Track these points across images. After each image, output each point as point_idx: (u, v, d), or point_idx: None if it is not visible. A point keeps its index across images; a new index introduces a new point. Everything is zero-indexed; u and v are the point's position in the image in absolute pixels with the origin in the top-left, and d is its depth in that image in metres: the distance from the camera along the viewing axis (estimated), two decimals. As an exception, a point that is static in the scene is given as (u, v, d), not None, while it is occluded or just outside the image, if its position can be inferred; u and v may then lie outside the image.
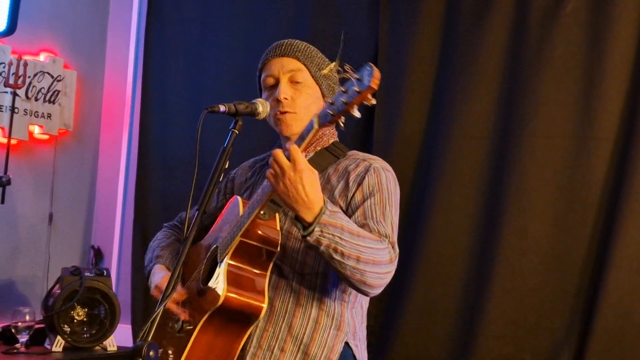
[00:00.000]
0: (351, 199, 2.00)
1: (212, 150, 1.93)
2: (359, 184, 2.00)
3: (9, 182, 3.37)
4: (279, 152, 1.78)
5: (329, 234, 1.79)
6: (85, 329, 3.45)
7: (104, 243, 4.25)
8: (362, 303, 2.15)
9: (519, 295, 3.08)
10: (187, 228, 1.82)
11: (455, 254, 3.21)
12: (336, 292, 2.05)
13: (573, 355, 2.99)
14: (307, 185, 1.76)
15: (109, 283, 3.51)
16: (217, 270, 1.94)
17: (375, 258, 1.86)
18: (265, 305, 1.92)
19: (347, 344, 2.06)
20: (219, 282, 1.91)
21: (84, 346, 3.40)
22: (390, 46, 3.45)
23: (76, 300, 3.37)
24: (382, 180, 2.03)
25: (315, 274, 2.02)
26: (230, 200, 2.09)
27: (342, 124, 1.74)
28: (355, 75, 1.65)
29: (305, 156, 2.07)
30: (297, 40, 2.14)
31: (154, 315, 1.62)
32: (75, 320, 3.44)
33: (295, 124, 2.07)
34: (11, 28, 3.53)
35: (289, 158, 1.77)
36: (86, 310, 3.47)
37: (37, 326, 3.44)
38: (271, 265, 1.97)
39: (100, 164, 4.33)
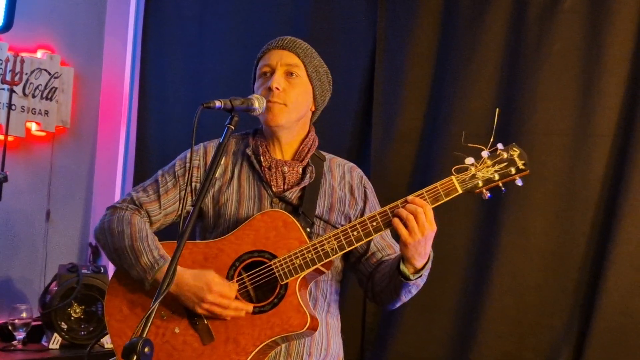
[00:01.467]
0: (362, 211, 2.17)
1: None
2: (366, 197, 2.19)
3: (5, 179, 3.36)
4: (422, 213, 1.89)
5: (425, 275, 2.02)
6: (82, 326, 3.44)
7: (102, 240, 4.23)
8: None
9: (518, 293, 3.07)
10: (183, 223, 1.80)
11: (454, 252, 3.20)
12: (335, 296, 2.19)
13: (573, 352, 2.98)
14: (430, 242, 1.94)
15: (106, 280, 3.49)
16: (279, 291, 1.96)
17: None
18: (319, 324, 2.03)
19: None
20: (292, 306, 1.94)
21: (81, 343, 3.39)
22: (389, 43, 3.44)
23: (73, 298, 3.36)
24: (372, 188, 2.25)
25: (326, 281, 2.13)
26: (271, 213, 2.04)
27: (486, 196, 1.94)
28: (506, 154, 1.91)
29: (307, 162, 2.12)
30: (300, 39, 2.18)
31: (149, 311, 1.60)
32: (72, 318, 3.43)
33: (282, 116, 2.09)
34: (8, 24, 3.51)
35: (413, 213, 1.89)
36: (83, 307, 3.46)
37: (34, 323, 3.43)
38: (311, 283, 2.06)
39: (98, 161, 4.32)
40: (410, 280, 1.96)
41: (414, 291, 2.04)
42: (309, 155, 2.15)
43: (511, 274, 3.07)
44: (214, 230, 2.13)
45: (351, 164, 2.26)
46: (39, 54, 3.99)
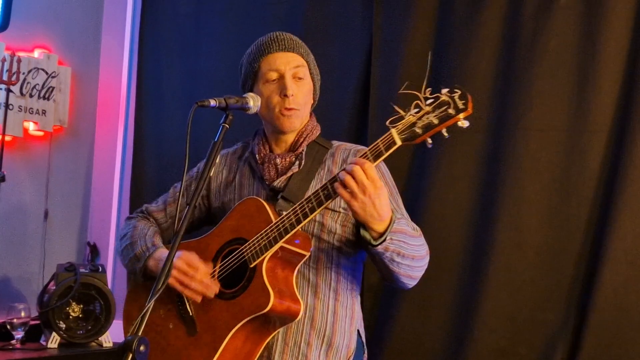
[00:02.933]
0: None
1: (206, 145, 1.93)
2: None
3: (3, 179, 3.37)
4: (359, 170, 1.79)
5: (396, 240, 1.89)
6: (80, 325, 3.45)
7: (100, 239, 4.24)
8: (359, 294, 2.22)
9: (513, 289, 3.08)
10: (178, 222, 1.81)
11: (450, 248, 3.21)
12: (348, 284, 2.12)
13: (568, 348, 2.99)
14: (384, 199, 1.83)
15: (105, 279, 3.50)
16: (249, 274, 1.95)
17: (422, 254, 2.02)
18: (301, 309, 1.98)
19: (358, 332, 2.16)
20: (259, 287, 1.92)
21: (79, 342, 3.40)
22: (384, 40, 3.44)
23: (71, 297, 3.36)
24: (383, 171, 2.14)
25: (329, 267, 2.08)
26: (245, 201, 2.07)
27: (430, 143, 1.81)
28: (446, 97, 1.77)
29: (301, 150, 2.09)
30: (294, 36, 2.18)
31: (145, 310, 1.62)
32: (70, 317, 3.44)
33: (297, 121, 2.12)
34: (5, 24, 3.52)
35: (350, 173, 1.79)
36: (81, 306, 3.46)
37: (32, 322, 3.43)
38: (297, 267, 2.01)
39: (96, 160, 4.32)
40: (375, 245, 1.87)
41: (399, 259, 1.92)
42: (304, 144, 2.13)
43: (506, 270, 3.08)
44: None
45: (360, 147, 2.20)
46: (36, 53, 3.99)
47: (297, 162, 2.11)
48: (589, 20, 3.06)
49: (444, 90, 1.79)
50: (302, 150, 2.13)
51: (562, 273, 3.03)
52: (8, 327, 3.36)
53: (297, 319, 1.97)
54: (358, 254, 2.14)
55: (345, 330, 2.09)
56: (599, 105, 3.02)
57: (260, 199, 2.03)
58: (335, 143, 2.21)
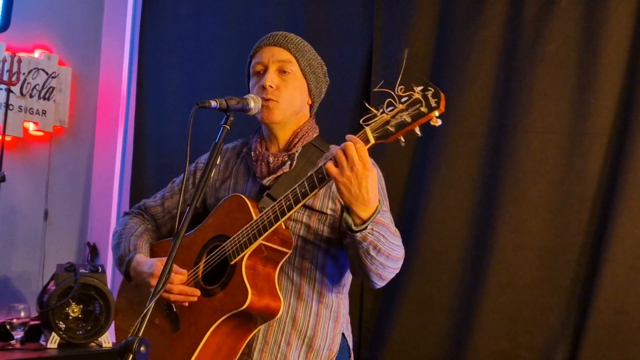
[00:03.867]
0: None
1: (207, 146, 1.92)
2: None
3: (3, 179, 3.36)
4: (351, 146, 1.76)
5: (377, 232, 1.83)
6: (80, 325, 3.45)
7: (100, 239, 4.24)
8: (347, 294, 2.21)
9: (514, 291, 3.08)
10: (179, 223, 1.81)
11: (450, 250, 3.21)
12: (333, 285, 2.10)
13: (568, 350, 2.99)
14: (371, 184, 1.79)
15: (104, 279, 3.51)
16: (229, 271, 1.95)
17: (397, 255, 1.95)
18: (281, 306, 1.96)
19: (342, 334, 2.14)
20: (238, 284, 1.91)
21: (79, 342, 3.40)
22: (385, 42, 3.44)
23: (71, 297, 3.36)
24: (379, 178, 2.07)
25: (313, 268, 2.06)
26: (230, 198, 2.08)
27: (402, 141, 1.78)
28: (418, 95, 1.73)
29: (295, 151, 2.09)
30: (291, 34, 2.16)
31: (145, 311, 1.61)
32: (70, 317, 3.44)
33: (276, 113, 2.09)
34: (5, 24, 3.51)
35: (342, 148, 1.76)
36: (81, 306, 3.46)
37: (32, 323, 3.43)
38: (279, 265, 2.00)
39: (96, 161, 4.32)
40: (354, 231, 1.81)
41: (374, 253, 1.86)
42: (298, 145, 2.12)
43: (506, 272, 3.08)
44: None
45: None
46: (37, 53, 3.99)
47: (289, 162, 2.09)
48: (589, 23, 3.07)
49: (417, 88, 1.75)
50: (296, 151, 2.11)
51: (563, 275, 3.03)
52: (8, 327, 3.36)
53: (278, 316, 1.96)
54: (346, 257, 2.11)
55: (327, 333, 2.08)
56: (599, 107, 3.02)
57: (243, 196, 2.03)
58: (332, 146, 2.18)
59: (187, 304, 2.01)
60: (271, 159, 2.11)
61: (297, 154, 2.10)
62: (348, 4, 3.60)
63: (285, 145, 2.15)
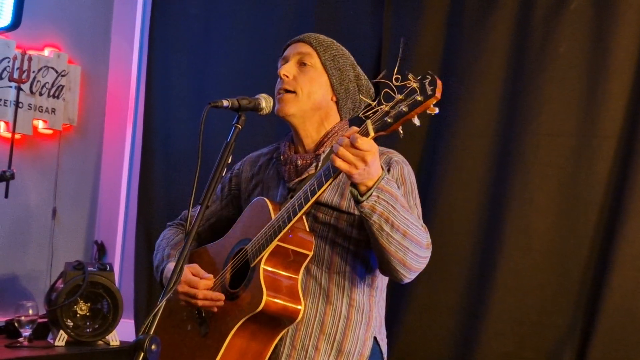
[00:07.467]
0: None
1: (216, 146, 1.93)
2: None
3: (12, 177, 3.37)
4: (346, 139, 1.73)
5: (384, 200, 1.78)
6: (88, 323, 3.46)
7: (108, 238, 4.26)
8: (383, 297, 2.16)
9: (521, 293, 3.07)
10: (189, 223, 1.82)
11: (458, 252, 3.21)
12: (364, 288, 2.06)
13: (575, 353, 2.98)
14: (372, 163, 1.75)
15: (112, 278, 3.52)
16: (250, 274, 1.95)
17: (418, 237, 1.88)
18: (302, 308, 1.95)
19: (374, 338, 2.09)
20: (256, 286, 1.91)
21: (86, 340, 3.41)
22: (394, 44, 3.44)
23: (79, 295, 3.38)
24: (405, 173, 2.05)
25: (343, 271, 2.03)
26: (254, 202, 2.08)
27: (401, 133, 1.76)
28: (415, 84, 1.70)
29: (322, 151, 2.07)
30: (320, 34, 2.17)
31: (157, 309, 1.62)
32: (78, 315, 3.45)
33: (291, 105, 2.07)
34: (16, 23, 3.53)
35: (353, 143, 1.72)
36: (89, 304, 3.48)
37: (40, 320, 3.45)
38: (303, 267, 1.99)
39: (104, 159, 4.34)
40: (361, 201, 1.78)
41: (388, 229, 1.81)
42: (327, 146, 2.08)
43: (514, 274, 3.08)
44: None
45: (387, 150, 2.10)
46: (47, 52, 4.01)
47: (314, 164, 2.06)
48: (599, 25, 3.06)
49: (415, 78, 1.73)
50: (323, 152, 2.08)
51: (570, 277, 3.02)
52: (16, 324, 3.38)
53: (298, 319, 1.94)
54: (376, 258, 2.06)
55: (358, 337, 2.03)
56: (608, 110, 3.01)
57: (266, 199, 2.03)
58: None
59: (215, 310, 2.00)
60: (299, 161, 2.08)
61: (322, 156, 2.07)
62: (357, 4, 3.60)
63: (315, 147, 2.11)
